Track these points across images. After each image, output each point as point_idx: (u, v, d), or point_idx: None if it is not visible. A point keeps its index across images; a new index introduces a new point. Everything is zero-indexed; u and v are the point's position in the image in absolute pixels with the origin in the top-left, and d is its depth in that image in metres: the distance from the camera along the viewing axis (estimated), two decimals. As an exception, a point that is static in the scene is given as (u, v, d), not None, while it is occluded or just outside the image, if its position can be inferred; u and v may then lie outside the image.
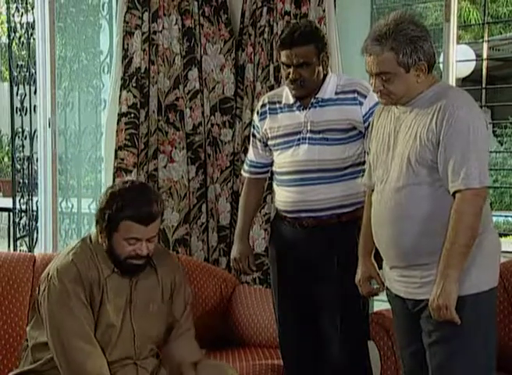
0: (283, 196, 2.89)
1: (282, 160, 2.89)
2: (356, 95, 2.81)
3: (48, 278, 2.49)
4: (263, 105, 2.99)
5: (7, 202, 5.26)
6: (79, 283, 2.45)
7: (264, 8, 3.81)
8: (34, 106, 3.87)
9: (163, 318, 2.62)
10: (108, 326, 2.48)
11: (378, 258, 2.52)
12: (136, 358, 2.55)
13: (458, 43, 3.69)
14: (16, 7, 3.98)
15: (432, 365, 2.33)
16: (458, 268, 2.20)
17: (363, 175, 2.81)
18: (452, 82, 3.51)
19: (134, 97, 3.75)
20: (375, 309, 3.47)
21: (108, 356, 2.48)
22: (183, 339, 2.64)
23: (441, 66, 3.55)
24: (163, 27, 3.83)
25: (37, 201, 3.89)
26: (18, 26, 3.99)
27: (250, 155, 3.08)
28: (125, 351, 2.52)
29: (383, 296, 2.61)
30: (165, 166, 3.88)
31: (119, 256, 2.48)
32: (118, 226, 2.44)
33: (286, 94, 2.91)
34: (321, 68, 2.81)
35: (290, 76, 2.78)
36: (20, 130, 3.99)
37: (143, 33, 3.77)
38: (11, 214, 4.59)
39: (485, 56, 4.25)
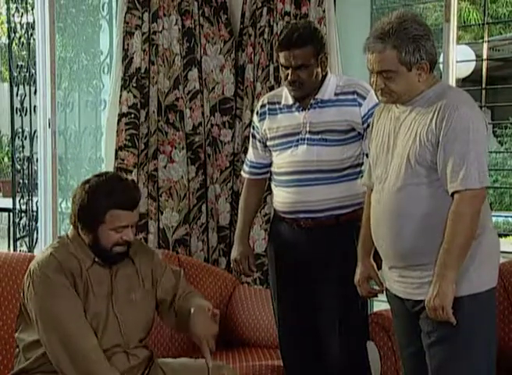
0: (282, 197, 2.89)
1: (281, 161, 2.89)
2: (355, 96, 2.81)
3: (30, 274, 2.49)
4: (262, 106, 2.99)
5: (7, 203, 5.25)
6: (61, 273, 2.46)
7: (264, 9, 3.81)
8: (34, 107, 3.86)
9: (148, 306, 2.63)
10: (94, 313, 2.49)
11: (378, 259, 2.52)
12: (126, 347, 2.55)
13: (458, 43, 3.69)
14: (16, 7, 3.98)
15: (432, 366, 2.33)
16: (455, 269, 2.19)
17: (362, 176, 2.82)
18: (452, 82, 3.51)
19: (134, 97, 3.75)
20: (375, 309, 3.47)
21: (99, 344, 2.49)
22: (192, 296, 2.65)
23: (441, 66, 3.55)
24: (163, 28, 3.83)
25: (36, 202, 3.88)
26: (18, 26, 3.99)
27: (250, 155, 3.08)
28: (113, 339, 2.52)
29: (383, 296, 2.61)
30: (165, 167, 3.88)
31: (105, 247, 2.49)
32: (104, 217, 2.46)
33: (286, 94, 2.91)
34: (319, 69, 2.81)
35: (289, 77, 2.78)
36: (20, 130, 3.99)
37: (143, 34, 3.77)
38: (11, 214, 4.58)
39: (484, 56, 4.25)
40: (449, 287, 2.19)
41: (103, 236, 2.48)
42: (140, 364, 2.58)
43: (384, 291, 2.55)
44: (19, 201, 4.05)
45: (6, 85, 8.04)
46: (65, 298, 2.44)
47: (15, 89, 4.00)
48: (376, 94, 2.41)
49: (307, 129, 2.83)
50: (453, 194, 2.22)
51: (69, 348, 2.41)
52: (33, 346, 2.51)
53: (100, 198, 2.45)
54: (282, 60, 2.79)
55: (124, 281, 2.57)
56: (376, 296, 2.66)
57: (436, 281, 2.21)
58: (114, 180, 2.58)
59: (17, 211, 4.07)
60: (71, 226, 2.59)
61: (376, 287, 2.59)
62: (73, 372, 2.40)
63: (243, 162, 3.23)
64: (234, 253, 3.08)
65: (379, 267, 2.54)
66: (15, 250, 4.08)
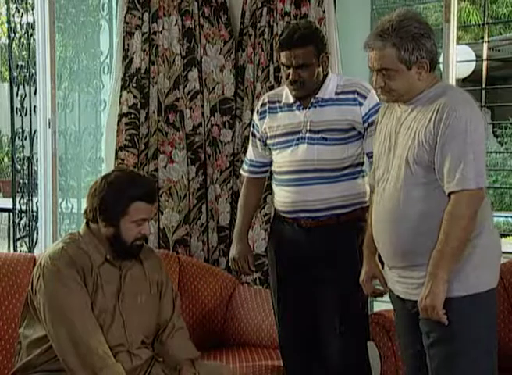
0: (282, 196, 2.89)
1: (281, 160, 2.89)
2: (356, 96, 2.81)
3: (40, 267, 2.50)
4: (263, 105, 2.99)
5: (7, 203, 5.26)
6: (72, 267, 2.47)
7: (264, 9, 3.81)
8: (34, 107, 3.87)
9: (153, 309, 2.64)
10: (101, 311, 2.50)
11: (382, 259, 2.52)
12: (129, 347, 2.56)
13: (458, 43, 3.69)
14: (16, 7, 3.98)
15: (432, 366, 2.32)
16: (447, 269, 2.19)
17: (363, 176, 2.82)
18: (452, 82, 3.52)
19: (134, 97, 3.75)
20: (375, 310, 3.47)
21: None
22: (178, 337, 2.67)
23: (441, 66, 3.55)
24: (163, 28, 3.83)
25: (36, 202, 3.88)
26: (18, 26, 3.99)
27: (250, 154, 3.08)
28: (117, 338, 2.53)
29: (385, 296, 2.60)
30: (165, 167, 3.88)
31: (125, 241, 2.52)
32: (128, 209, 2.49)
33: (286, 93, 2.91)
34: (320, 69, 2.81)
35: (290, 77, 2.78)
36: (20, 130, 3.99)
37: (143, 34, 3.77)
38: (11, 214, 4.58)
39: (485, 57, 4.25)
40: (441, 287, 2.18)
41: (124, 228, 2.51)
42: (143, 365, 2.59)
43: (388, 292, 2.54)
44: (19, 201, 4.04)
45: (6, 85, 8.04)
46: (75, 291, 2.46)
47: (15, 89, 4.00)
48: (377, 93, 2.41)
49: (308, 128, 2.83)
50: (449, 195, 2.21)
51: (75, 342, 2.41)
52: (38, 343, 2.51)
53: (125, 190, 2.49)
54: (283, 60, 2.79)
55: (132, 283, 2.59)
56: (381, 296, 2.65)
57: (428, 281, 2.20)
58: (135, 174, 2.68)
59: (17, 211, 4.07)
60: (83, 223, 2.60)
61: (381, 287, 2.59)
62: (79, 365, 2.41)
63: (243, 162, 3.23)
64: (233, 252, 3.07)
65: (384, 267, 2.54)
66: (15, 250, 4.08)
